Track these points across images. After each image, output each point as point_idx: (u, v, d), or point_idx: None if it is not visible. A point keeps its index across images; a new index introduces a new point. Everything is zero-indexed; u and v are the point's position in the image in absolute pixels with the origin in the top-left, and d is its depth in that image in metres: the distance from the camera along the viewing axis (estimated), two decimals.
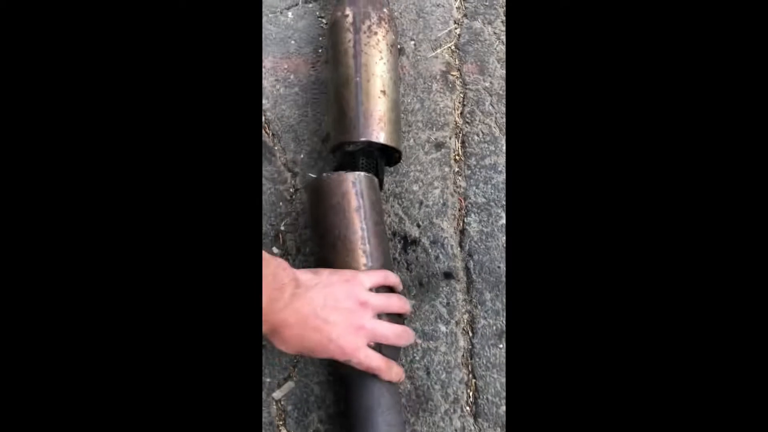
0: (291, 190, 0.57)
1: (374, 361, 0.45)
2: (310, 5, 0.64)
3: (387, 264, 0.49)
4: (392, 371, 0.46)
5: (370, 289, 0.47)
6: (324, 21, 0.64)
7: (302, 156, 0.59)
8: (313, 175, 0.57)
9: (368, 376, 0.46)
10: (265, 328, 0.42)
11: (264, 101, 0.60)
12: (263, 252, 0.41)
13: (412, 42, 0.63)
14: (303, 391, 0.51)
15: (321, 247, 0.49)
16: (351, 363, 0.44)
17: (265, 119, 0.59)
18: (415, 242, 0.56)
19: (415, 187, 0.58)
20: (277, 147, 0.59)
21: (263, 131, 0.59)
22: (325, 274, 0.46)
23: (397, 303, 0.48)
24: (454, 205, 0.57)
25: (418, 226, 0.56)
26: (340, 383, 0.50)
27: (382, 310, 0.46)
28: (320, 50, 0.62)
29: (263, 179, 0.57)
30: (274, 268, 0.41)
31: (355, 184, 0.48)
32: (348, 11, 0.54)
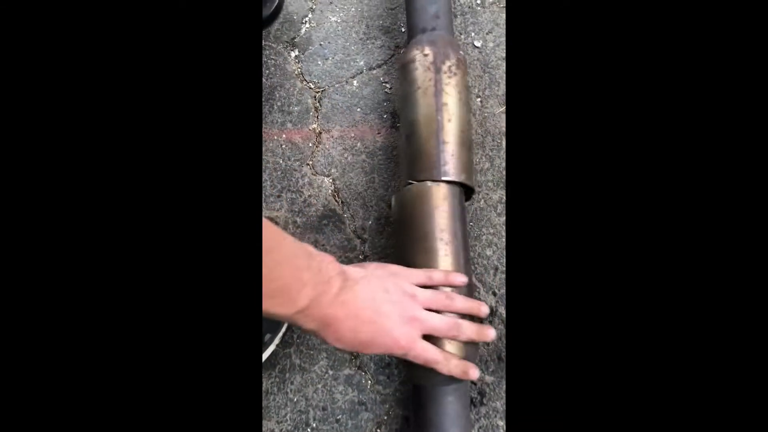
0: (360, 257, 0.57)
1: (430, 353, 0.43)
2: (374, 71, 0.65)
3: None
4: (450, 364, 0.43)
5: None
6: (388, 86, 0.64)
7: (370, 222, 0.58)
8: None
9: (437, 388, 0.45)
10: (313, 324, 0.40)
11: (333, 170, 0.61)
12: (308, 247, 0.41)
13: (479, 99, 0.61)
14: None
15: (404, 246, 0.49)
16: (408, 356, 0.43)
17: (335, 187, 0.60)
18: (491, 312, 0.52)
19: (489, 252, 0.55)
20: (347, 215, 0.59)
21: (333, 199, 0.60)
22: (372, 267, 0.45)
23: (444, 302, 0.45)
24: None
25: (494, 294, 0.53)
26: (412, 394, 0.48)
27: (429, 305, 0.44)
28: (385, 116, 0.63)
29: (334, 248, 0.58)
30: (319, 262, 0.40)
31: (454, 195, 0.49)
32: (428, 50, 0.53)
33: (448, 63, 0.52)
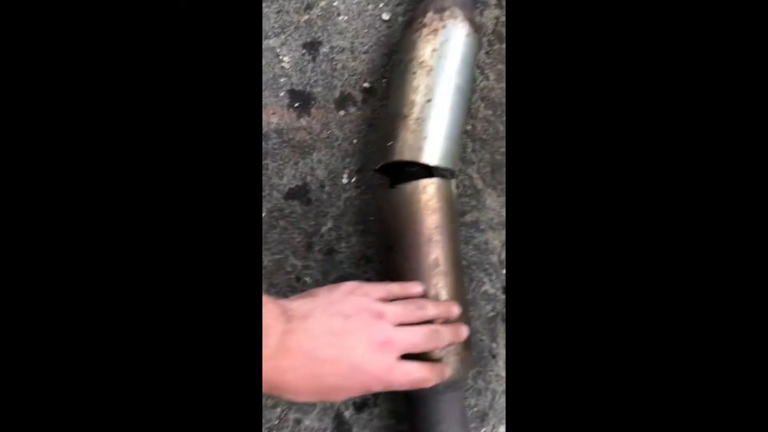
0: None
1: (415, 373, 0.37)
2: (270, 41, 0.57)
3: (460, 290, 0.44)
4: (443, 372, 0.39)
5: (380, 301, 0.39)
6: (286, 60, 0.57)
7: (263, 214, 0.53)
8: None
9: (424, 391, 0.40)
10: (264, 388, 0.34)
11: None
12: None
13: (384, 81, 0.57)
14: None
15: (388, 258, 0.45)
16: (391, 388, 0.37)
17: None
18: None
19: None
20: None
21: None
22: (322, 291, 0.39)
23: (417, 313, 0.39)
24: None
25: None
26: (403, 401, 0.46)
27: (400, 320, 0.38)
28: (281, 94, 0.56)
29: None
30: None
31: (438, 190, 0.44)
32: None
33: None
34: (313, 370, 0.35)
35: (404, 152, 0.45)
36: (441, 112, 0.45)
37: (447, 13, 0.47)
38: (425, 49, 0.47)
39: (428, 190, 0.44)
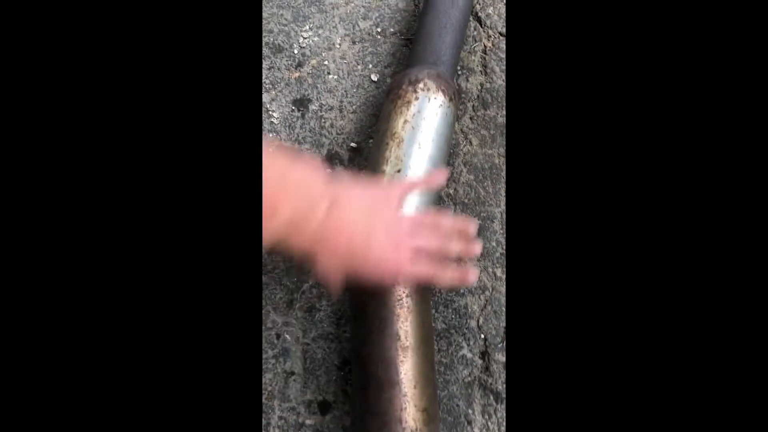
0: None
1: (423, 268, 0.41)
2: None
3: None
4: (447, 274, 0.42)
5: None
6: (275, 116, 0.58)
7: None
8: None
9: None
10: (299, 250, 0.38)
11: None
12: (284, 158, 0.37)
13: (371, 142, 0.58)
14: None
15: None
16: (399, 281, 0.42)
17: None
18: None
19: None
20: None
21: None
22: (358, 183, 0.43)
23: (430, 220, 0.43)
24: None
25: None
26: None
27: (419, 224, 0.43)
28: None
29: None
30: (303, 176, 0.37)
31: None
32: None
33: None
34: (345, 257, 0.39)
35: None
36: None
37: (420, 85, 0.49)
38: (398, 120, 0.48)
39: None
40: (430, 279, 0.42)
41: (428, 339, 0.45)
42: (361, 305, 0.45)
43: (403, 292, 0.44)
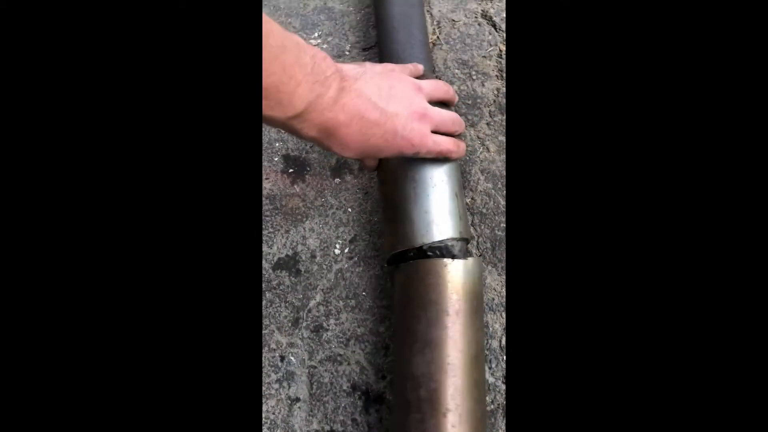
0: None
1: (444, 144, 0.42)
2: None
3: None
4: (461, 149, 0.44)
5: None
6: None
7: None
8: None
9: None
10: (314, 132, 0.37)
11: None
12: (296, 38, 0.35)
13: None
14: None
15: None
16: (419, 154, 0.41)
17: None
18: (379, 399, 0.46)
19: (382, 328, 0.48)
20: None
21: None
22: (368, 64, 0.42)
23: (444, 88, 0.46)
24: None
25: (383, 377, 0.47)
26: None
27: (433, 95, 0.44)
28: (276, 159, 0.54)
29: None
30: (312, 57, 0.35)
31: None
32: None
33: None
34: (362, 129, 0.38)
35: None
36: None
37: None
38: None
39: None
40: (448, 151, 0.43)
41: (479, 358, 0.40)
42: (408, 319, 0.40)
43: (455, 306, 0.39)
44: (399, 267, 0.43)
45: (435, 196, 0.42)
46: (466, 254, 0.42)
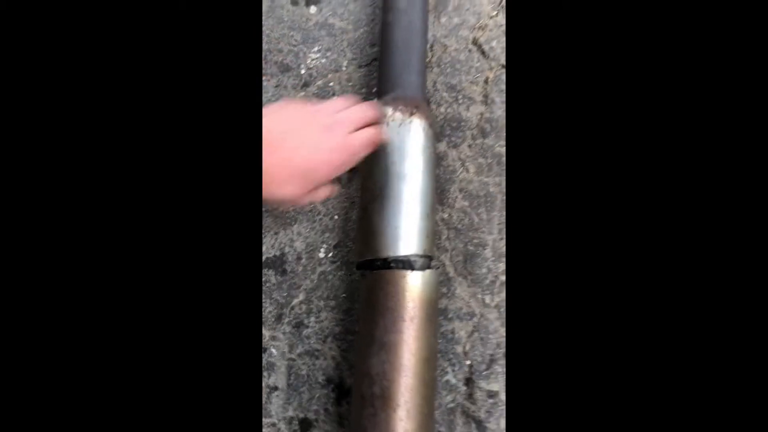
0: None
1: (366, 134, 0.44)
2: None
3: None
4: (391, 126, 0.46)
5: None
6: None
7: None
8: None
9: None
10: (263, 194, 0.39)
11: None
12: None
13: None
14: None
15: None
16: (356, 157, 0.44)
17: None
18: (350, 393, 0.51)
19: (357, 328, 0.53)
20: None
21: None
22: (291, 105, 0.44)
23: (359, 114, 0.45)
24: None
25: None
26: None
27: (337, 109, 0.44)
28: None
29: None
30: None
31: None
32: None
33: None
34: (283, 157, 0.40)
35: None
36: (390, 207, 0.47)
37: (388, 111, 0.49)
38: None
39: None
40: (376, 138, 0.44)
41: (431, 360, 0.45)
42: (368, 323, 0.45)
43: (410, 314, 0.43)
44: (364, 275, 0.47)
45: (405, 213, 0.46)
46: (426, 268, 0.46)
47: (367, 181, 0.50)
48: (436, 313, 0.47)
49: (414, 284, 0.44)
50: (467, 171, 0.57)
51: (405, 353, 0.42)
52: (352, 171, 0.57)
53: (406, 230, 0.46)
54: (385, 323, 0.43)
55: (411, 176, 0.47)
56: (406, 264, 0.45)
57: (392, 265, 0.45)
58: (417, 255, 0.45)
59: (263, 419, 0.50)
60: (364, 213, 0.49)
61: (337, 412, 0.50)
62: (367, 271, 0.46)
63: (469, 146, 0.58)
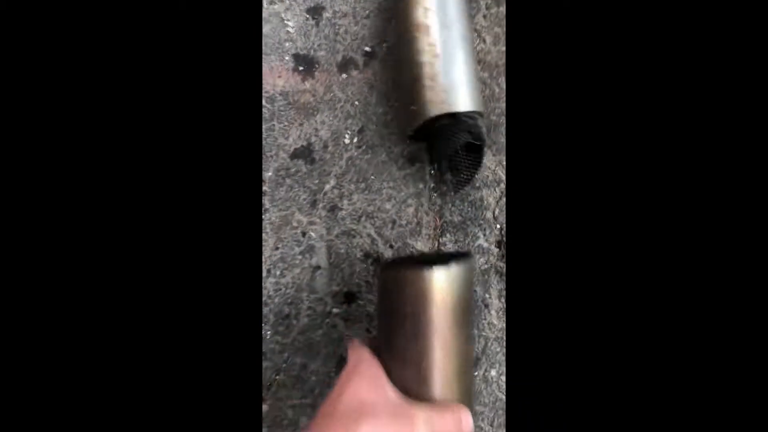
0: None
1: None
2: (275, 6, 0.59)
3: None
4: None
5: None
6: (290, 24, 0.59)
7: (270, 173, 0.56)
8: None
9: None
10: None
11: None
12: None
13: (385, 45, 0.59)
14: (276, 415, 0.51)
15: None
16: None
17: None
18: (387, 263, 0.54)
19: (388, 206, 0.55)
20: None
21: None
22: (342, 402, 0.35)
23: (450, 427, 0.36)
24: (428, 224, 0.54)
25: (391, 246, 0.54)
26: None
27: None
28: (287, 58, 0.58)
29: None
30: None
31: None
32: None
33: None
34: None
35: (430, 110, 0.48)
36: (450, 63, 0.48)
37: None
38: (417, 11, 0.49)
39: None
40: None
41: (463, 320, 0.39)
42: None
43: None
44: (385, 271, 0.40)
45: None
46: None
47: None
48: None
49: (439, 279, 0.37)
50: (484, 42, 0.56)
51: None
52: (370, 54, 0.57)
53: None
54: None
55: None
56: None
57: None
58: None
59: (310, 295, 0.54)
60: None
61: (377, 284, 0.53)
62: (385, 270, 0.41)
63: (484, 16, 0.57)
